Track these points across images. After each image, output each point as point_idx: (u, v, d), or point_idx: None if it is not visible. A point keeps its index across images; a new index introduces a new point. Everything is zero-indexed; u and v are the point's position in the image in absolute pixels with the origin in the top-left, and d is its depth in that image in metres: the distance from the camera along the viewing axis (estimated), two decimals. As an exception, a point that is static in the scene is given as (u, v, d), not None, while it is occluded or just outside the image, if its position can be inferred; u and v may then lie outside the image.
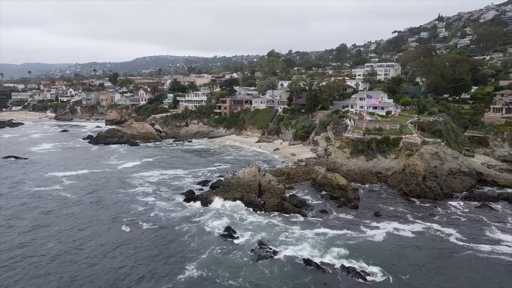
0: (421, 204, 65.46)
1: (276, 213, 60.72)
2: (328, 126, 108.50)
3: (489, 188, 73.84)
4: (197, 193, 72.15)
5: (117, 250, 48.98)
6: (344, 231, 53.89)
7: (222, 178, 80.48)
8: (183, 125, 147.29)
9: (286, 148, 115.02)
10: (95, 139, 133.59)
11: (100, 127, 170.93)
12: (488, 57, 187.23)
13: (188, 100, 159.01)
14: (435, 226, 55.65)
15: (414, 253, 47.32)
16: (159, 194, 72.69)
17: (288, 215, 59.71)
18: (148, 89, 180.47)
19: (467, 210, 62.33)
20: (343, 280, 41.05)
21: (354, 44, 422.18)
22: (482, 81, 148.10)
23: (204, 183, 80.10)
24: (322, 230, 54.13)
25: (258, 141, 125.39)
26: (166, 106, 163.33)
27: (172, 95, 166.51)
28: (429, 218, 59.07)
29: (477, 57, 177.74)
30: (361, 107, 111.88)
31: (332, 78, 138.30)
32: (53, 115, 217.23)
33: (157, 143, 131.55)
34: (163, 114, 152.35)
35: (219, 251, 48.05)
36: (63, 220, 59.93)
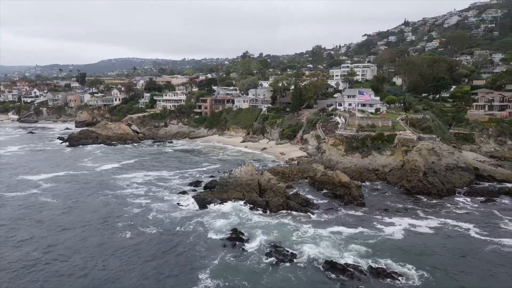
0: (428, 200, 63.55)
1: (283, 212, 56.70)
2: (317, 124, 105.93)
3: (489, 183, 72.99)
4: (190, 194, 66.91)
5: (117, 259, 43.21)
6: (359, 229, 50.66)
7: (215, 178, 75.96)
8: (162, 126, 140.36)
9: (273, 147, 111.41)
10: (67, 141, 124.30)
11: (70, 129, 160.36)
12: (457, 59, 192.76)
13: (166, 100, 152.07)
14: (450, 221, 53.58)
15: (439, 250, 44.73)
16: (151, 195, 66.92)
17: (295, 214, 55.81)
18: (123, 89, 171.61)
19: (476, 205, 60.95)
20: (376, 283, 37.51)
21: (324, 48, 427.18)
22: (457, 80, 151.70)
23: (196, 183, 74.86)
24: (336, 228, 50.67)
25: (243, 141, 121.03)
26: (143, 106, 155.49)
27: (148, 94, 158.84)
28: (440, 213, 57.08)
29: (452, 58, 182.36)
30: (350, 104, 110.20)
31: (315, 78, 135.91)
32: (16, 117, 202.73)
33: (135, 144, 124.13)
34: (140, 114, 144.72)
35: (231, 256, 43.33)
36: (51, 227, 53.10)
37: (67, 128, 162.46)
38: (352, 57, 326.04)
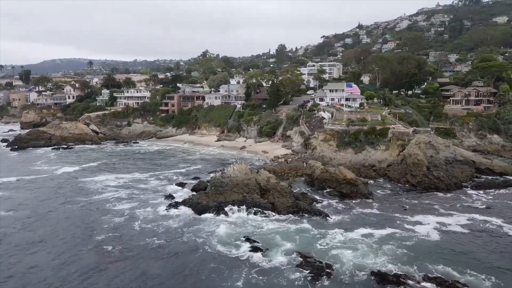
0: (441, 196, 59.16)
1: (295, 216, 48.88)
2: (300, 120, 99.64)
3: (489, 177, 70.10)
4: (180, 197, 57.28)
5: (112, 284, 33.04)
6: (388, 229, 44.33)
7: (202, 179, 66.77)
8: (125, 125, 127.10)
9: (253, 145, 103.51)
10: (13, 143, 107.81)
11: (15, 130, 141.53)
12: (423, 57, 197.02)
13: (128, 97, 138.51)
14: (477, 216, 49.11)
15: (487, 250, 39.34)
16: (132, 201, 56.34)
17: (309, 217, 48.24)
18: (77, 85, 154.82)
19: (490, 197, 57.50)
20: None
21: (275, 53, 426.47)
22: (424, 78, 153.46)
23: (181, 185, 65.17)
24: (364, 230, 44.01)
25: (218, 140, 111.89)
26: (101, 104, 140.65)
27: (108, 91, 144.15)
28: (461, 209, 52.53)
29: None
30: (332, 99, 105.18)
31: (288, 74, 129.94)
32: None
33: (95, 145, 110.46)
34: (99, 113, 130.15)
35: (256, 273, 34.85)
36: (8, 248, 41.20)
37: (11, 130, 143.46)
38: (311, 58, 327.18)
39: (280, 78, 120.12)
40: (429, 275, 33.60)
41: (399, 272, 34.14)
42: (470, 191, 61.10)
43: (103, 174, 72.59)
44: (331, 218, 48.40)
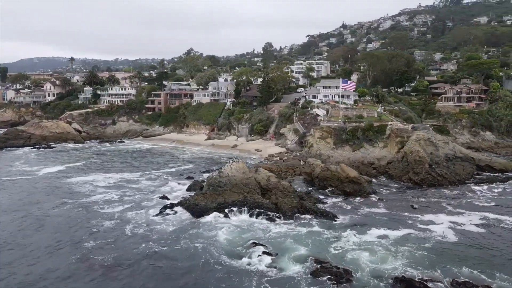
0: (447, 193, 57.20)
1: (301, 217, 45.74)
2: (294, 118, 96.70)
3: (489, 174, 68.75)
4: (174, 199, 53.49)
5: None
6: (403, 230, 41.78)
7: (197, 179, 63.18)
8: (110, 123, 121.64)
9: (245, 144, 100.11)
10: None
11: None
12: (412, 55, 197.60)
13: (112, 94, 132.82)
14: (489, 215, 47.15)
15: (510, 253, 36.91)
16: (123, 203, 52.25)
17: (318, 218, 45.22)
18: (57, 83, 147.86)
19: (495, 194, 56.36)
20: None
21: (261, 51, 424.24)
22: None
23: (173, 185, 61.25)
24: (378, 231, 41.29)
25: (208, 138, 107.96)
26: (84, 102, 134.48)
27: (90, 88, 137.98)
28: (471, 206, 50.61)
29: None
30: (326, 96, 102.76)
31: (279, 71, 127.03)
32: None
33: (79, 145, 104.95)
34: (82, 111, 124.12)
35: (267, 283, 31.47)
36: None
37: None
38: (296, 57, 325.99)
39: (271, 75, 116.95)
40: (457, 280, 31.03)
41: (424, 277, 31.40)
42: (474, 187, 59.78)
43: (91, 174, 67.97)
44: (338, 218, 45.57)
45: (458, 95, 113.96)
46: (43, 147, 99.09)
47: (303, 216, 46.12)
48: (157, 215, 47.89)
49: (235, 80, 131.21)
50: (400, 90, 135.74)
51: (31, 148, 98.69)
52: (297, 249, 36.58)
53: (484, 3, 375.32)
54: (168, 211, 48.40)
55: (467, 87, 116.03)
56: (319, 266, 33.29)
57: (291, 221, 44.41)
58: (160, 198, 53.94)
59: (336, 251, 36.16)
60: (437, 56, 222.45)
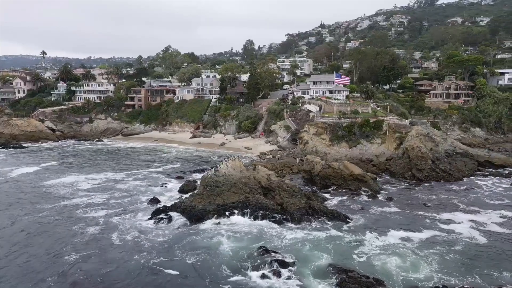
0: (458, 188, 55.31)
1: (312, 219, 41.54)
2: (285, 114, 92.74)
3: (493, 169, 66.82)
4: (166, 201, 48.25)
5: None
6: (425, 231, 38.38)
7: (189, 179, 58.11)
8: (86, 121, 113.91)
9: (233, 142, 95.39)
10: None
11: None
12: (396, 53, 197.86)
13: (89, 91, 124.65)
14: (507, 212, 44.54)
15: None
16: (109, 207, 46.56)
17: (331, 221, 41.11)
18: (28, 78, 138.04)
19: (502, 189, 54.19)
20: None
21: (242, 49, 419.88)
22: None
23: (162, 185, 56.04)
24: (399, 233, 37.77)
25: (194, 137, 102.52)
26: (57, 98, 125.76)
27: (65, 84, 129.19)
28: (485, 204, 48.20)
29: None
30: (317, 92, 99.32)
31: (266, 66, 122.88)
32: None
33: (54, 144, 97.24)
34: (56, 108, 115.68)
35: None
36: None
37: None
38: (276, 56, 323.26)
39: (258, 70, 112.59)
40: None
41: (466, 286, 27.77)
42: (479, 183, 57.80)
43: (71, 175, 61.60)
44: (350, 219, 41.69)
45: (446, 91, 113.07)
46: (13, 147, 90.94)
47: (312, 218, 41.85)
48: (149, 219, 42.63)
49: (219, 76, 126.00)
50: (386, 87, 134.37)
51: (0, 148, 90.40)
52: (318, 257, 32.28)
53: (457, 4, 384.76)
54: (161, 215, 43.11)
55: (455, 84, 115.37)
56: (345, 276, 29.10)
57: (304, 224, 40.08)
58: (150, 200, 48.56)
59: (361, 258, 32.17)
60: (416, 55, 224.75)
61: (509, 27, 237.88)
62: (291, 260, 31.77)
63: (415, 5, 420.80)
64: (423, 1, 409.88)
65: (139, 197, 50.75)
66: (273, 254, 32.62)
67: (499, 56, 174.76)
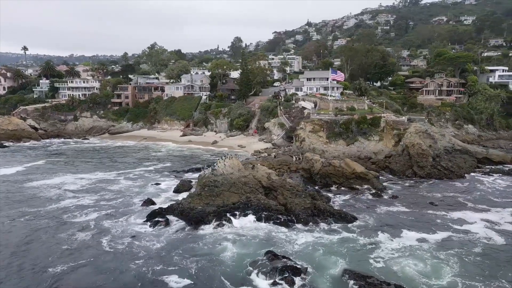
0: (461, 185, 54.35)
1: (319, 220, 39.26)
2: (279, 111, 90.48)
3: (492, 166, 66.01)
4: (162, 203, 45.33)
5: None
6: (440, 232, 36.62)
7: (183, 178, 55.24)
8: (71, 119, 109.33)
9: (225, 140, 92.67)
10: None
11: None
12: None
13: (73, 88, 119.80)
14: (518, 211, 42.85)
15: None
16: (99, 209, 43.34)
17: (338, 222, 38.93)
18: (8, 75, 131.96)
19: (505, 186, 52.76)
20: None
21: (230, 46, 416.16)
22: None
23: (155, 185, 53.05)
24: (412, 234, 35.97)
25: (184, 135, 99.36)
26: (40, 96, 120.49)
27: (47, 81, 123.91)
28: (491, 202, 47.02)
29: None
30: (311, 88, 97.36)
31: (258, 62, 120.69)
32: None
33: (37, 143, 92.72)
34: (38, 105, 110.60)
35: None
36: None
37: None
38: (264, 53, 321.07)
39: (250, 66, 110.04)
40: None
41: (495, 293, 25.98)
42: (482, 179, 56.67)
43: (58, 175, 57.93)
44: (358, 220, 39.63)
45: (439, 88, 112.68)
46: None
47: (318, 218, 39.59)
48: (145, 222, 39.69)
49: (209, 73, 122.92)
50: (377, 84, 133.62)
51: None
52: (333, 262, 29.97)
53: (441, 4, 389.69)
54: (157, 218, 40.17)
55: (447, 81, 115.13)
56: (364, 282, 26.88)
57: (311, 225, 37.76)
58: (144, 202, 45.54)
59: (379, 262, 30.03)
60: (404, 53, 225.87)
61: (494, 26, 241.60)
62: (304, 266, 29.36)
63: (400, 4, 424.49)
64: (408, 0, 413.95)
65: (132, 199, 47.70)
66: (283, 259, 30.13)
67: (485, 54, 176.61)
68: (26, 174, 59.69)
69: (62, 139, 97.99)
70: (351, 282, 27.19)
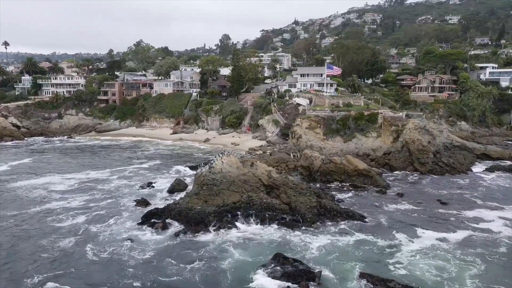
0: (464, 182, 53.30)
1: (328, 220, 37.06)
2: (273, 108, 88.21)
3: (491, 162, 65.07)
4: (157, 203, 42.52)
5: None
6: (459, 231, 34.85)
7: (179, 177, 52.41)
8: (55, 117, 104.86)
9: (218, 138, 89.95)
10: None
11: None
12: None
13: (57, 84, 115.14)
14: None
15: None
16: (88, 211, 40.18)
17: (348, 221, 36.80)
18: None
19: (509, 182, 51.57)
20: None
21: (218, 44, 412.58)
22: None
23: (148, 185, 50.13)
24: (430, 233, 34.26)
25: (174, 133, 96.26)
26: (22, 93, 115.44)
27: (30, 77, 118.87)
28: (501, 199, 45.32)
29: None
30: (305, 85, 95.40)
31: (249, 59, 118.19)
32: None
33: (20, 142, 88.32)
34: (20, 103, 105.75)
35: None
36: None
37: None
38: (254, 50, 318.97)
39: (241, 62, 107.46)
40: None
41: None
42: (484, 176, 55.74)
43: (44, 175, 54.40)
44: (367, 220, 37.60)
45: (431, 85, 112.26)
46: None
47: (325, 218, 37.43)
48: (139, 224, 36.85)
49: (199, 69, 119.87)
50: (369, 81, 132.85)
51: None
52: (349, 266, 27.74)
53: (426, 3, 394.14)
54: (153, 220, 37.36)
55: (439, 78, 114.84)
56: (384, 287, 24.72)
57: (319, 225, 35.53)
58: (138, 202, 42.62)
59: (397, 265, 27.92)
60: (392, 51, 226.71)
61: (479, 25, 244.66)
62: (318, 270, 27.07)
63: (386, 3, 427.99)
64: (394, 0, 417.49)
65: (124, 199, 44.74)
66: (295, 263, 27.79)
67: (472, 53, 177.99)
68: (9, 173, 55.90)
69: (46, 138, 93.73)
70: (371, 286, 24.99)
